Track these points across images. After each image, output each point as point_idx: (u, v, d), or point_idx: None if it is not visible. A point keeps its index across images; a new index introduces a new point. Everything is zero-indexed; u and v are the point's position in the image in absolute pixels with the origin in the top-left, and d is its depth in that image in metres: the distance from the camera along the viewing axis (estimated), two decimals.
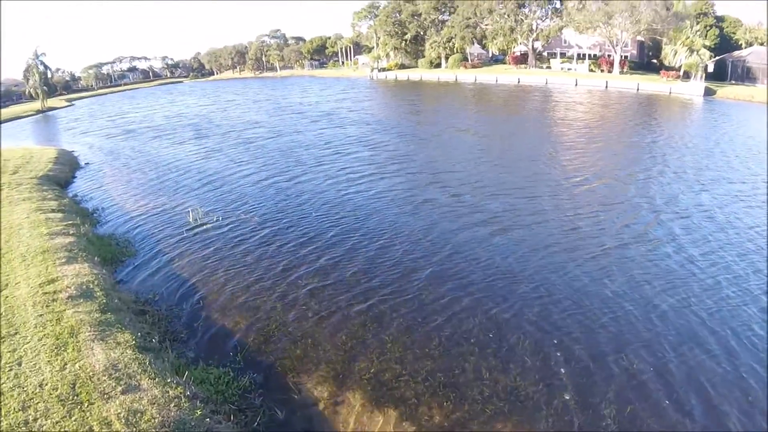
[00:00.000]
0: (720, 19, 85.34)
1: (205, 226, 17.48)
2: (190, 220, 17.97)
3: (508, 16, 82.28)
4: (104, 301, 11.05)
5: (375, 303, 11.79)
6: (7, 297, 10.97)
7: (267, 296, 12.43)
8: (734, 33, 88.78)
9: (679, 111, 49.15)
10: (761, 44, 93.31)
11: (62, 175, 26.58)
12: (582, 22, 73.25)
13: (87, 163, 31.15)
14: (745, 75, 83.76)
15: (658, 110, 48.67)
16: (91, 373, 8.17)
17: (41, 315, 10.12)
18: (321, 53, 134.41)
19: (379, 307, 11.63)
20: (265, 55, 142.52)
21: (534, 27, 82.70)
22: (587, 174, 22.66)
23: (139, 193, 23.09)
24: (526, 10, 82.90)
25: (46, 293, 11.06)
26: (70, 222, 16.66)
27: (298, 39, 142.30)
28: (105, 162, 31.45)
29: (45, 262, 12.78)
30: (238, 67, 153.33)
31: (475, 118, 43.69)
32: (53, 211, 18.05)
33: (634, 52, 79.86)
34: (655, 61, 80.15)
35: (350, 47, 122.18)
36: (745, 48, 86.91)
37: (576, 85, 69.84)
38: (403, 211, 18.17)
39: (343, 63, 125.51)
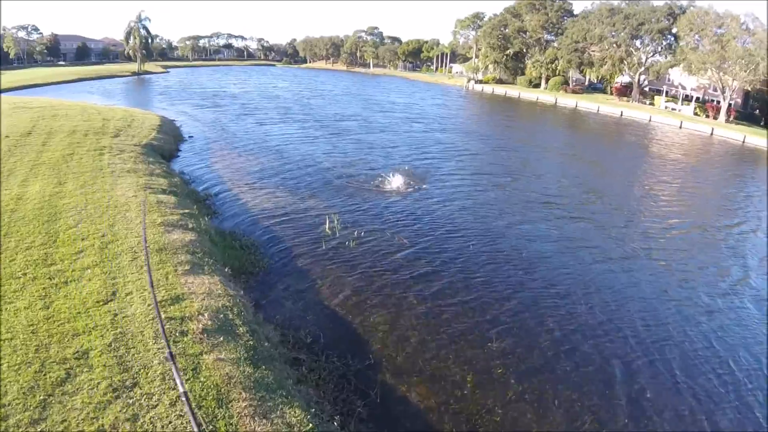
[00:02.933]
0: None
1: (347, 243, 14.29)
2: (327, 230, 14.81)
3: (619, 45, 77.95)
4: (251, 342, 7.90)
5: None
6: (116, 315, 7.95)
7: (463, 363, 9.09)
8: None
9: None
10: None
11: (167, 146, 24.16)
12: (695, 62, 67.89)
13: (191, 136, 28.91)
14: None
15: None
16: None
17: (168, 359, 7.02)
18: (416, 56, 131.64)
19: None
20: (360, 51, 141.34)
21: (643, 60, 77.74)
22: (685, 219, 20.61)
23: (254, 181, 20.31)
24: (638, 42, 78.29)
25: (171, 319, 7.97)
26: (186, 210, 13.71)
27: (394, 39, 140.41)
28: (209, 138, 29.19)
29: (163, 267, 9.75)
30: (331, 59, 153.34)
31: (581, 144, 40.69)
32: (164, 191, 15.23)
33: (739, 100, 74.28)
34: (757, 112, 73.65)
35: (446, 54, 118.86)
36: None
37: (680, 127, 64.54)
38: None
39: (436, 69, 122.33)
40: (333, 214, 15.90)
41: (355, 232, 14.89)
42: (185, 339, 7.52)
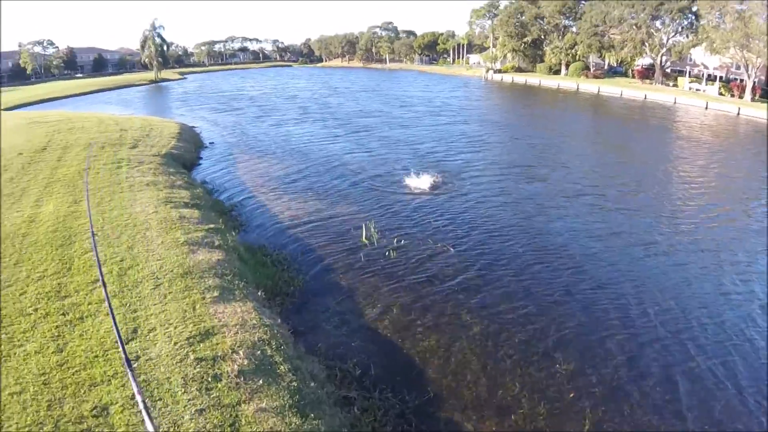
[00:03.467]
0: None
1: (386, 252, 13.06)
2: (363, 240, 13.64)
3: (640, 27, 75.67)
4: (294, 383, 6.78)
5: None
6: (138, 358, 6.86)
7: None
8: None
9: None
10: None
11: (188, 155, 23.24)
12: (718, 40, 65.64)
13: (211, 143, 28.02)
14: None
15: None
16: None
17: (201, 412, 5.93)
18: (432, 49, 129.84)
19: None
20: (375, 47, 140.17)
21: (665, 41, 75.46)
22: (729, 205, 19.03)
23: (278, 186, 19.29)
24: (659, 23, 75.89)
25: (201, 360, 6.86)
26: (211, 225, 12.62)
27: (409, 33, 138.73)
28: (230, 143, 28.32)
29: (189, 295, 8.66)
30: (347, 56, 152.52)
31: (609, 131, 39.24)
32: (186, 205, 14.19)
33: (762, 77, 72.25)
34: None
35: (463, 45, 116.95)
36: None
37: (706, 108, 63.09)
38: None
39: (453, 61, 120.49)
40: (367, 221, 14.69)
41: (394, 240, 13.69)
42: (219, 385, 6.41)
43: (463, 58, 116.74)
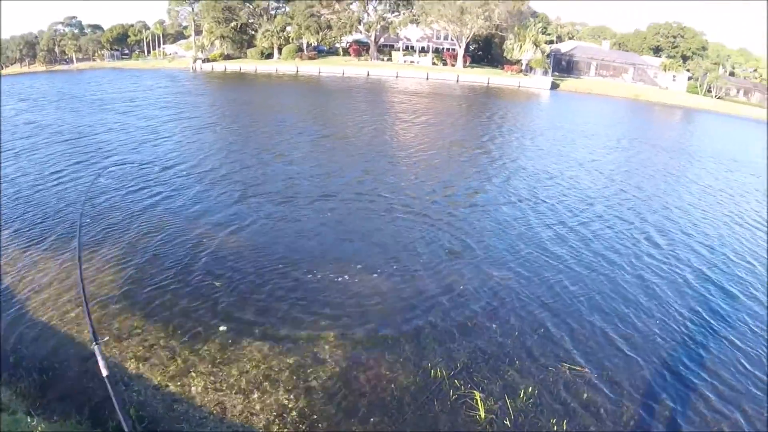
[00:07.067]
0: (534, 15, 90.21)
1: None
2: None
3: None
4: None
5: None
6: None
7: None
8: (545, 29, 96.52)
9: (535, 101, 56.17)
10: (570, 38, 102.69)
11: None
12: (434, 15, 72.63)
13: None
14: (571, 68, 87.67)
15: (515, 101, 54.16)
16: None
17: None
18: (123, 42, 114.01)
19: None
20: (59, 46, 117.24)
21: (375, 19, 79.09)
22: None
23: None
24: (374, 3, 79.38)
25: None
26: None
27: (96, 27, 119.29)
28: None
29: None
30: (26, 60, 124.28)
31: (349, 110, 40.07)
32: None
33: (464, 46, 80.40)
34: (481, 53, 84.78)
35: (159, 36, 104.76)
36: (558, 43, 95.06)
37: (427, 78, 69.70)
38: None
39: (149, 53, 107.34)
40: None
41: None
42: None
43: (160, 49, 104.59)
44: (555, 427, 7.76)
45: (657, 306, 11.86)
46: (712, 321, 11.47)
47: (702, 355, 10.06)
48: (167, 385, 8.05)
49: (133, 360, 8.64)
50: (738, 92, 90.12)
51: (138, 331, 9.44)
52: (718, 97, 77.67)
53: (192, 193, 17.31)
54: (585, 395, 8.57)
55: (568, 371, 9.10)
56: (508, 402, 8.14)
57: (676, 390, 8.94)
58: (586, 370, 9.21)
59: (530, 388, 8.52)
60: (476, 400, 8.05)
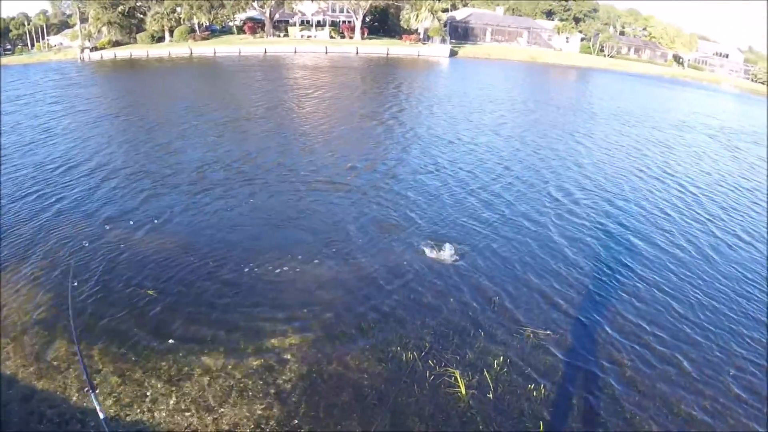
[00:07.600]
0: None
1: None
2: None
3: None
4: None
5: None
6: None
7: None
8: None
9: (436, 69, 57.64)
10: (465, 5, 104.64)
11: None
12: None
13: None
14: (468, 35, 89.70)
15: (417, 70, 55.50)
16: None
17: None
18: (5, 38, 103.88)
19: None
20: None
21: None
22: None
23: None
24: None
25: None
26: None
27: None
28: None
29: None
30: None
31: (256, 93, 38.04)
32: None
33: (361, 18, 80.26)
34: (377, 25, 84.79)
35: (42, 27, 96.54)
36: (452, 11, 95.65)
37: (327, 52, 68.87)
38: None
39: (33, 46, 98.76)
40: None
41: None
42: None
43: (44, 41, 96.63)
44: (534, 393, 7.89)
45: (585, 259, 12.66)
46: (637, 266, 12.59)
47: (634, 297, 11.11)
48: (127, 415, 7.33)
49: (76, 395, 7.65)
50: (629, 50, 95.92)
51: (72, 362, 8.26)
52: (611, 56, 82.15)
53: (101, 194, 15.87)
54: (553, 357, 8.79)
55: (531, 335, 9.28)
56: (485, 373, 8.19)
57: (626, 339, 9.61)
58: (548, 332, 9.44)
59: (501, 358, 8.64)
60: (455, 377, 8.03)
